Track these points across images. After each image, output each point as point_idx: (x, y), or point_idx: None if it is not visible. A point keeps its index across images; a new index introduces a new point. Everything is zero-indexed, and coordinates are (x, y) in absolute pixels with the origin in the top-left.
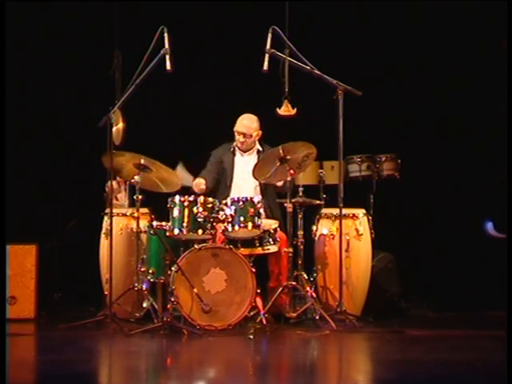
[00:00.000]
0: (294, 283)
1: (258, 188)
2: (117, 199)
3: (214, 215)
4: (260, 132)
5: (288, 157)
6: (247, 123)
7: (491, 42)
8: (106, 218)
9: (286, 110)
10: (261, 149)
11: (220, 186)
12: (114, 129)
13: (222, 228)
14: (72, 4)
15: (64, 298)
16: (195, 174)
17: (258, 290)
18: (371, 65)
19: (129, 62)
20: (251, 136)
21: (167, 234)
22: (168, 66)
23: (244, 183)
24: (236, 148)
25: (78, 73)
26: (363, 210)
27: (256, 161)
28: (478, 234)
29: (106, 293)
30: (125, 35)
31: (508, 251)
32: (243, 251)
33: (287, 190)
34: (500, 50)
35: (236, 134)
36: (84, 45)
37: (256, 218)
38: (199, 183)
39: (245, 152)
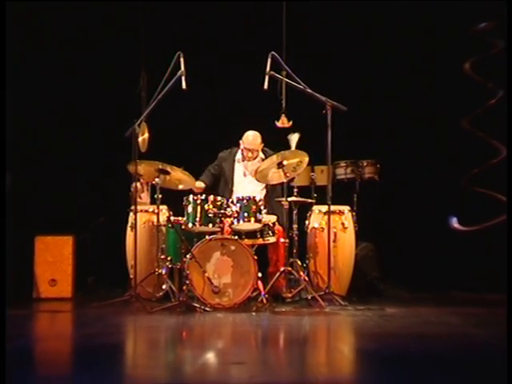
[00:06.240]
0: (289, 269)
1: (264, 190)
2: (140, 198)
3: (222, 211)
4: (262, 145)
5: (284, 162)
6: (253, 141)
7: (466, 55)
8: (131, 213)
9: (283, 122)
10: (264, 157)
11: (223, 186)
12: (141, 138)
13: (229, 222)
14: (104, 33)
15: (96, 280)
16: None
17: (260, 275)
18: (355, 83)
19: (153, 82)
20: (257, 151)
21: (183, 227)
22: (184, 85)
23: (249, 186)
24: (240, 157)
25: (111, 91)
26: (348, 207)
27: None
28: (444, 227)
29: (131, 276)
30: (149, 60)
31: (508, 247)
32: (247, 242)
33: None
34: (465, 73)
35: (243, 148)
36: (115, 67)
37: (258, 214)
38: (198, 186)
39: (248, 161)
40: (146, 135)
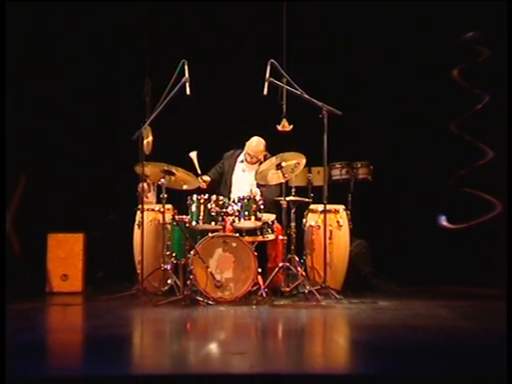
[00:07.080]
0: (287, 264)
1: (258, 191)
2: (147, 197)
3: (224, 210)
4: (266, 153)
5: (283, 164)
6: (255, 147)
7: (454, 62)
8: (138, 212)
9: (284, 126)
10: (263, 161)
11: (223, 185)
12: (145, 142)
13: (231, 220)
14: (111, 40)
15: (105, 275)
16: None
17: (259, 270)
18: (350, 88)
19: (157, 88)
20: (257, 158)
21: (187, 225)
22: (188, 91)
23: (243, 186)
24: (242, 158)
25: (117, 97)
26: (343, 206)
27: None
28: (434, 225)
29: (138, 272)
30: (153, 66)
31: (508, 245)
32: (247, 239)
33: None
34: (453, 79)
35: (246, 152)
36: (121, 74)
37: (258, 213)
38: (205, 179)
39: (248, 163)
40: (150, 138)
